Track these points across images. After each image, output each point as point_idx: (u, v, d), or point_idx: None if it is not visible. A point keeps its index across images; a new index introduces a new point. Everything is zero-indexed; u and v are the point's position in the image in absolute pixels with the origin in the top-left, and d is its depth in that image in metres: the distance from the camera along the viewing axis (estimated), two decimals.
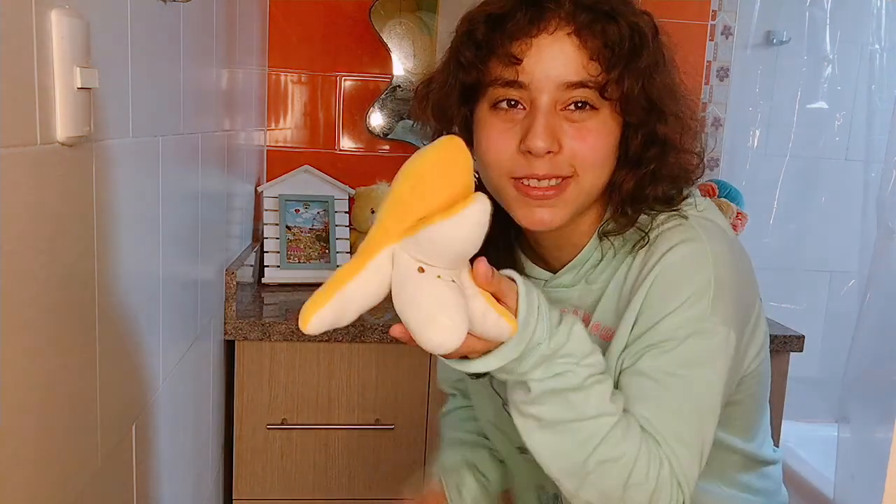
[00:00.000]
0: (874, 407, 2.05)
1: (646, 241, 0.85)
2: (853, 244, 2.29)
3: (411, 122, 2.09)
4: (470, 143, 0.89)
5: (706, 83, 2.24)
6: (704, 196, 0.93)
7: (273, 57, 2.05)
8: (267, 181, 2.01)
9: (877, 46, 2.26)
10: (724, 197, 2.00)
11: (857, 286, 2.32)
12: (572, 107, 0.81)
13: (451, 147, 0.65)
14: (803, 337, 1.75)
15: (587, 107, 0.81)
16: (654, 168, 0.84)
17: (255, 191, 1.96)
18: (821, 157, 2.41)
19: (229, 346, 1.59)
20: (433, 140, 0.92)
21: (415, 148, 2.13)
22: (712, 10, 2.21)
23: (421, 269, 0.63)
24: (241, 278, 1.59)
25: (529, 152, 0.80)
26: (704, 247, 0.82)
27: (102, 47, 0.76)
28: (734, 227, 1.94)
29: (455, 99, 0.86)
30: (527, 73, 0.80)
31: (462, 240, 0.62)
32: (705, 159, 0.90)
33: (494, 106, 0.83)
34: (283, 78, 2.07)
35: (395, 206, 0.65)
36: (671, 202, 0.87)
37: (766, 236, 2.34)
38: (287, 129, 2.09)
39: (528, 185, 0.82)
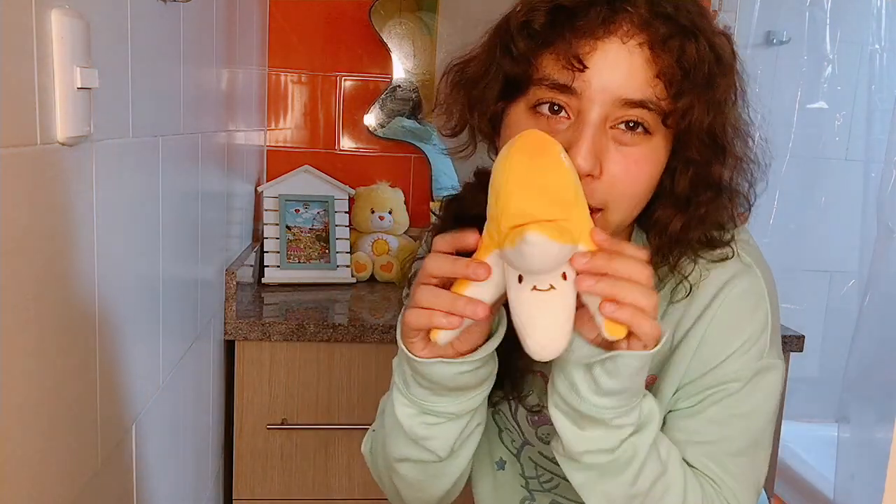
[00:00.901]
0: (874, 407, 2.05)
1: (688, 290, 0.78)
2: (853, 244, 2.29)
3: (411, 121, 2.09)
4: (495, 142, 0.81)
5: None
6: None
7: (273, 57, 2.05)
8: (267, 181, 2.01)
9: (877, 46, 2.26)
10: None
11: (857, 286, 2.32)
12: (623, 126, 0.71)
13: (529, 147, 0.62)
14: (803, 337, 1.75)
15: (640, 128, 0.71)
16: (705, 212, 0.76)
17: (255, 191, 1.96)
18: (821, 157, 2.41)
19: (229, 346, 1.59)
20: (453, 134, 0.83)
21: (414, 148, 2.14)
22: (712, 10, 2.21)
23: (520, 278, 0.62)
24: (241, 278, 1.59)
25: None
26: (758, 279, 0.79)
27: (102, 47, 0.76)
28: None
29: (496, 91, 0.76)
30: (583, 79, 0.69)
31: (528, 266, 0.60)
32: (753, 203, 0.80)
33: (534, 108, 0.73)
34: (283, 78, 2.07)
35: (489, 217, 0.64)
36: (712, 245, 0.78)
37: (766, 236, 2.34)
38: (287, 129, 2.09)
39: None
